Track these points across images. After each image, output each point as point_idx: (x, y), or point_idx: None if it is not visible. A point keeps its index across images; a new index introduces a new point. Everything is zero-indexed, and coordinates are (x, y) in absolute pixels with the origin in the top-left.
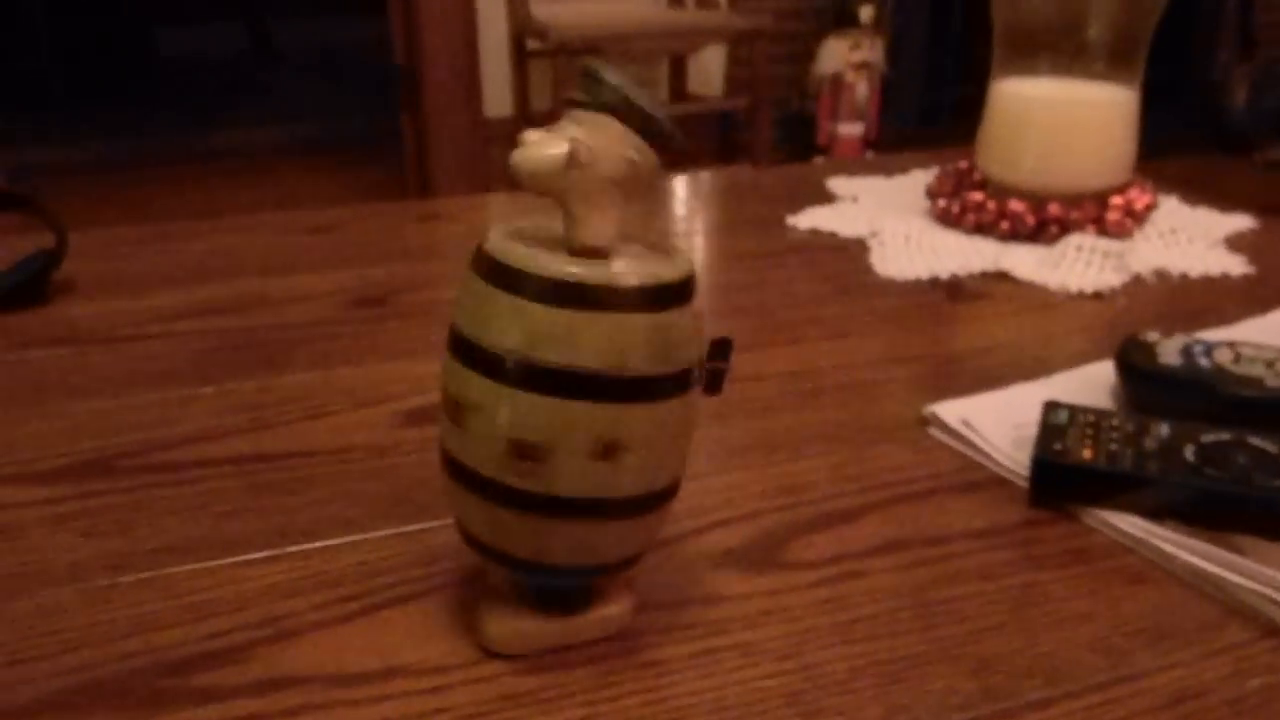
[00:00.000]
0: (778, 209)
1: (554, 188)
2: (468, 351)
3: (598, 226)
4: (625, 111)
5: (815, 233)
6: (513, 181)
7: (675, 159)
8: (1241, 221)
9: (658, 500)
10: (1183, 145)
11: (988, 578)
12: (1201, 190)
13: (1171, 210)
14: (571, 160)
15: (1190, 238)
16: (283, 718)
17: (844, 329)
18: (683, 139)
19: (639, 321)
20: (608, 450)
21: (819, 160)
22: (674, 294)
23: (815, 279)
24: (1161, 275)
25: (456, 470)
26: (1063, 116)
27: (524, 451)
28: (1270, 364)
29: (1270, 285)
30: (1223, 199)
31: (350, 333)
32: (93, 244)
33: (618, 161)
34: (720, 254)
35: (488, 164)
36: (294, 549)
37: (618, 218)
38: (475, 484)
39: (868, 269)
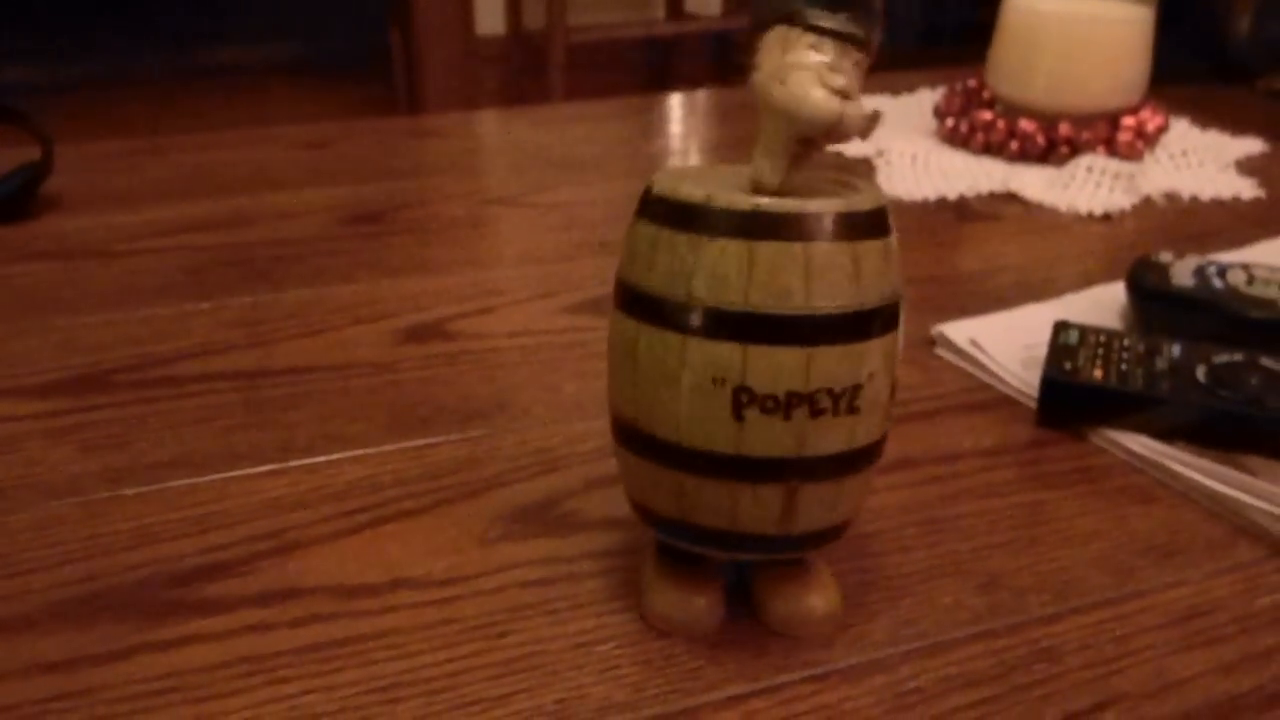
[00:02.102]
0: None
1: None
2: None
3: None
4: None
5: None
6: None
7: None
8: (1252, 145)
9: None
10: (1183, 74)
11: (996, 495)
12: (1209, 115)
13: (1182, 133)
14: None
15: (1201, 160)
16: (290, 628)
17: None
18: None
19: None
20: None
21: None
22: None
23: None
24: (1171, 197)
25: (673, 454)
26: (1076, 34)
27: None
28: None
29: None
30: (1230, 124)
31: (345, 249)
32: (78, 158)
33: None
34: None
35: (479, 82)
36: (296, 463)
37: None
38: (704, 463)
39: None
